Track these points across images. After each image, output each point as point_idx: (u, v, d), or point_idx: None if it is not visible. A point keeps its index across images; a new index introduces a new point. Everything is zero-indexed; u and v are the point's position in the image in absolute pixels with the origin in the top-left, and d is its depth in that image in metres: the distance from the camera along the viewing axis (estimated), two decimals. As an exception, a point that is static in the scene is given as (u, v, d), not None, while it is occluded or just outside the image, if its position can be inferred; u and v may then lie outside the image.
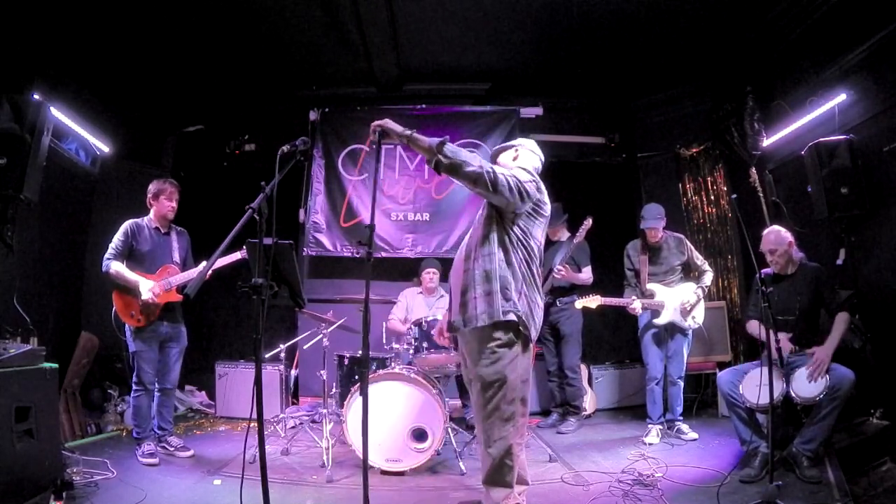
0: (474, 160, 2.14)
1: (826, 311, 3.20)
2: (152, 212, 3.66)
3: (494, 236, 2.28)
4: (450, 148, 2.10)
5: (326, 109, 5.71)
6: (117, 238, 3.51)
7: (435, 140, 2.12)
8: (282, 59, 5.11)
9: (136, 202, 4.64)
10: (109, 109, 4.91)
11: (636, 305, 3.97)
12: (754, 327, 3.39)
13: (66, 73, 4.32)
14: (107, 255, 3.47)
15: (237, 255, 3.33)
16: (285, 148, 2.01)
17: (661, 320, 4.00)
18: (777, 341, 2.76)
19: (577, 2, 4.15)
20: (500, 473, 2.23)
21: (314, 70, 5.38)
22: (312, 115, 5.70)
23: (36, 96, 3.58)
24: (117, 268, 3.43)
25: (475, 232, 2.36)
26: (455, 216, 5.52)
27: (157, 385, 3.55)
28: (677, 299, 3.99)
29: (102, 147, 4.71)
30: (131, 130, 5.24)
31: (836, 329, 3.07)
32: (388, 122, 2.21)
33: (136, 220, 3.62)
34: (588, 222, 4.09)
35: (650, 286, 4.06)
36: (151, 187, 3.67)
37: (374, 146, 2.23)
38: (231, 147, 5.78)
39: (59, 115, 3.91)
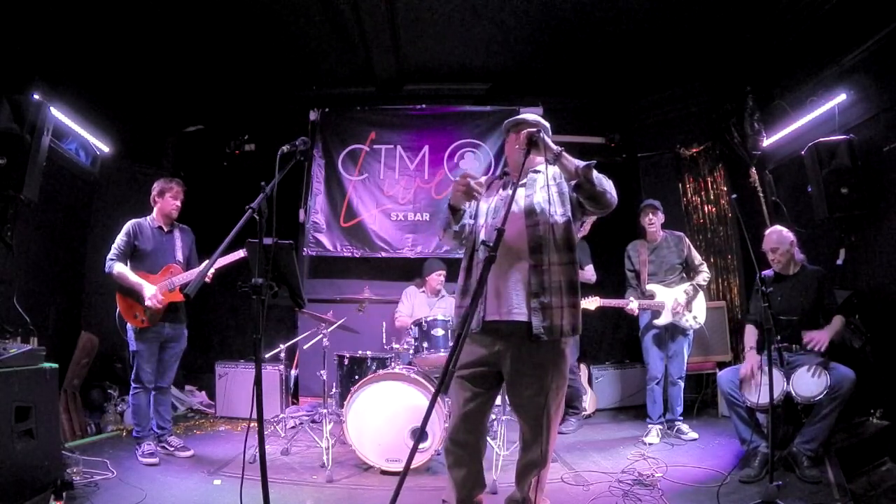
0: (612, 188, 2.15)
1: (823, 314, 3.22)
2: (155, 210, 3.65)
3: (574, 244, 2.22)
4: (596, 175, 2.10)
5: (326, 109, 5.71)
6: (119, 238, 3.50)
7: (581, 163, 2.09)
8: (282, 59, 5.11)
9: (135, 202, 4.65)
10: (109, 109, 4.91)
11: (633, 306, 3.98)
12: (749, 332, 3.41)
13: (66, 73, 4.32)
14: (109, 256, 3.46)
15: (239, 254, 3.32)
16: (285, 148, 2.00)
17: (661, 321, 4.00)
18: (777, 341, 2.76)
19: (577, 2, 4.15)
20: (545, 478, 2.23)
21: (314, 70, 5.38)
22: (312, 115, 5.70)
23: (36, 96, 3.58)
24: (120, 269, 3.43)
25: (547, 227, 2.15)
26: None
27: (153, 384, 3.55)
28: (674, 299, 3.99)
29: (102, 147, 4.70)
30: (131, 130, 5.24)
31: (833, 324, 3.11)
32: (544, 135, 2.14)
33: (137, 219, 3.61)
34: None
35: (650, 286, 4.06)
36: (156, 185, 3.66)
37: (524, 151, 2.10)
38: (231, 147, 5.78)
39: (59, 115, 3.91)
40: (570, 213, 2.22)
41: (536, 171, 2.32)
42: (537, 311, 2.09)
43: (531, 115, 2.34)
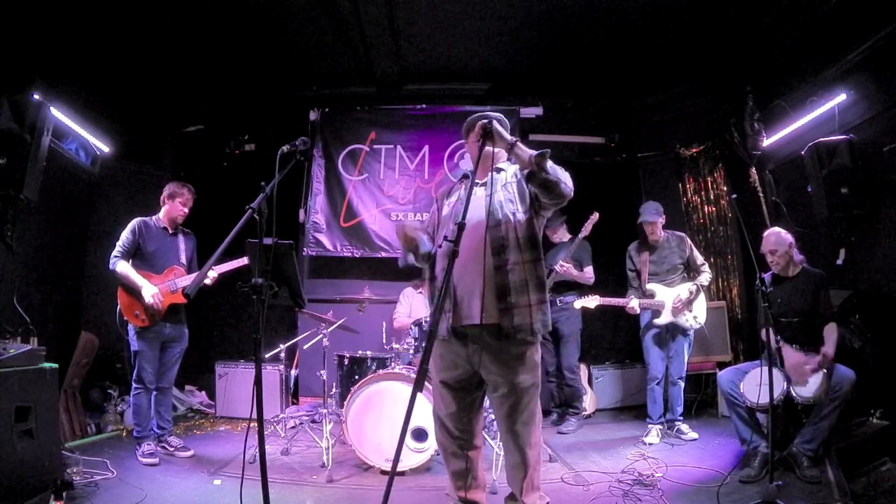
0: (567, 178, 2.13)
1: (817, 320, 3.18)
2: (162, 212, 3.66)
3: (539, 240, 2.22)
4: (551, 164, 2.08)
5: (326, 109, 5.71)
6: (125, 236, 3.50)
7: (533, 152, 2.08)
8: (282, 59, 5.11)
9: (135, 202, 4.66)
10: (109, 109, 4.91)
11: (633, 305, 3.98)
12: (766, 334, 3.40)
13: (66, 73, 4.32)
14: (114, 253, 3.46)
15: (243, 261, 3.32)
16: (285, 148, 2.00)
17: (661, 320, 4.00)
18: (777, 341, 2.76)
19: (577, 2, 4.15)
20: (537, 477, 2.21)
21: (314, 70, 5.38)
22: (312, 115, 5.70)
23: (36, 96, 3.58)
24: (123, 268, 3.43)
25: (509, 226, 2.16)
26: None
27: (154, 384, 3.55)
28: (676, 295, 3.99)
29: (102, 147, 4.70)
30: (131, 130, 5.23)
31: (829, 338, 3.06)
32: (497, 125, 2.14)
33: (143, 218, 3.61)
34: (594, 216, 4.10)
35: (651, 286, 4.06)
36: (168, 188, 3.67)
37: (478, 143, 2.11)
38: (231, 147, 5.78)
39: (59, 115, 3.90)
40: (532, 210, 2.21)
41: (498, 170, 2.31)
42: (505, 311, 2.09)
43: (488, 113, 2.32)
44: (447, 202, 2.39)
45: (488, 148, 2.14)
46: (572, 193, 2.14)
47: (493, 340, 2.12)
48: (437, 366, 2.27)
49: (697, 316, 4.03)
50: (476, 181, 2.20)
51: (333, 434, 3.53)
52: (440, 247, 2.25)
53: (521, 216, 2.19)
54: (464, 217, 1.87)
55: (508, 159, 2.24)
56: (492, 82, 5.57)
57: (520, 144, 2.12)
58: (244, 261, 3.29)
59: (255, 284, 1.80)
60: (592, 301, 4.01)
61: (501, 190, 2.24)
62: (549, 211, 2.26)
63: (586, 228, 4.15)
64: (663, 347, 4.06)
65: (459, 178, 2.47)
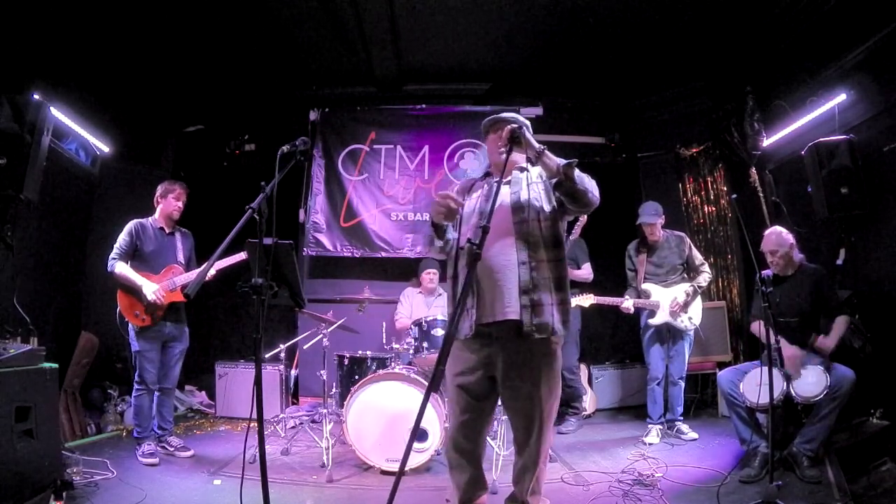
0: (594, 187, 2.14)
1: (824, 313, 3.19)
2: (158, 211, 3.67)
3: (563, 240, 2.22)
4: (578, 174, 2.08)
5: (326, 109, 5.71)
6: (122, 238, 3.52)
7: (562, 161, 2.09)
8: (282, 59, 5.11)
9: (135, 202, 4.64)
10: (109, 109, 4.91)
11: (628, 304, 3.99)
12: (756, 327, 3.39)
13: (66, 73, 4.31)
14: (112, 255, 3.47)
15: (241, 256, 3.33)
16: (285, 148, 2.00)
17: (656, 321, 4.01)
18: (777, 341, 2.75)
19: (577, 2, 4.15)
20: (542, 480, 2.20)
21: (314, 70, 5.38)
22: (312, 115, 5.70)
23: (36, 96, 3.58)
24: (122, 269, 3.44)
25: (534, 224, 2.14)
26: (455, 216, 5.52)
27: (157, 384, 3.55)
28: (671, 299, 3.99)
29: (102, 147, 4.70)
30: (131, 130, 5.23)
31: (836, 328, 3.08)
32: (526, 132, 2.13)
33: (140, 219, 3.63)
34: (583, 219, 4.11)
35: (646, 286, 4.06)
36: (160, 187, 3.70)
37: (506, 149, 2.10)
38: (231, 147, 5.78)
39: (59, 115, 3.90)
40: (556, 210, 2.20)
41: (522, 169, 2.31)
42: (527, 308, 2.06)
43: (509, 113, 2.31)
44: (467, 198, 2.35)
45: (516, 154, 2.12)
46: (598, 202, 2.16)
47: (514, 339, 2.09)
48: (453, 368, 2.21)
49: (693, 317, 4.03)
50: (499, 180, 2.18)
51: (333, 434, 3.53)
52: (462, 247, 2.21)
53: (546, 215, 2.18)
54: (489, 220, 1.86)
55: (529, 160, 2.23)
56: (492, 82, 5.57)
57: (547, 153, 2.12)
58: (242, 255, 3.30)
59: (255, 284, 1.80)
60: (587, 300, 4.01)
61: (527, 188, 2.23)
62: (571, 215, 2.29)
63: (575, 232, 4.17)
64: (663, 347, 4.06)
65: (480, 177, 2.44)
